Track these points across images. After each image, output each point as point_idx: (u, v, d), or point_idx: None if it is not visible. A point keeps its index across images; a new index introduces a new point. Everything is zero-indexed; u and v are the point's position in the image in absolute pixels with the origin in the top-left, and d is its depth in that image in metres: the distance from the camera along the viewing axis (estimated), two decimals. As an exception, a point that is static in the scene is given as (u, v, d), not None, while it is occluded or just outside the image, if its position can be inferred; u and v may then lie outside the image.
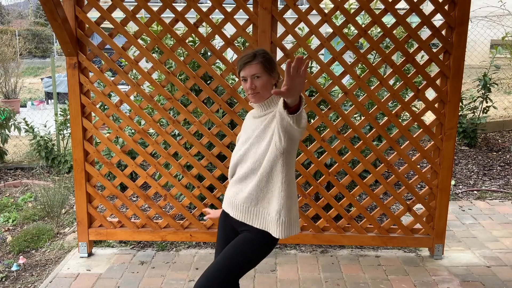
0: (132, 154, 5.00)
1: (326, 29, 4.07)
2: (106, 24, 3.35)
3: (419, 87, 3.33)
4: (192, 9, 3.29)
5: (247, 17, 3.28)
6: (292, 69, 1.65)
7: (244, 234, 2.14)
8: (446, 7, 3.23)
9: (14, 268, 3.47)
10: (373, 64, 3.32)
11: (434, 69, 4.23)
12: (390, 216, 3.51)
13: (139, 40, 3.38)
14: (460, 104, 6.42)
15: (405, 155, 3.40)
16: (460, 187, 5.21)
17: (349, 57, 3.47)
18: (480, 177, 5.51)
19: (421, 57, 5.08)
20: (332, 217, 3.52)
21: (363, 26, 3.29)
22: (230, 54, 4.66)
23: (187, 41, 3.42)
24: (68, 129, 6.08)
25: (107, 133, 4.64)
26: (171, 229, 3.60)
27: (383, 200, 4.21)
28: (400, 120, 3.57)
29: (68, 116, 5.86)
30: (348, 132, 3.41)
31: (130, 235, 3.63)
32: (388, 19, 3.29)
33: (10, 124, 6.27)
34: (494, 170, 5.75)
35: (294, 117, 1.79)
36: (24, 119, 6.02)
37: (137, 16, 3.29)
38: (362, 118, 3.41)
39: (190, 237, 3.60)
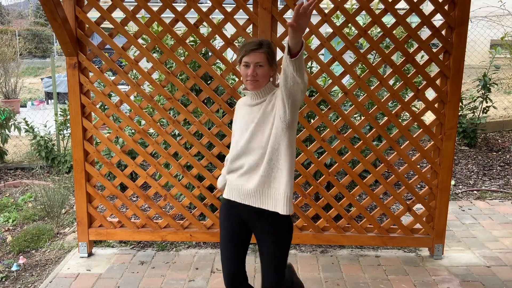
0: (132, 154, 4.99)
1: (326, 29, 4.07)
2: (106, 24, 3.35)
3: (419, 87, 3.34)
4: (192, 9, 3.29)
5: (247, 17, 3.28)
6: (303, 8, 1.84)
7: (267, 229, 2.21)
8: (446, 7, 3.23)
9: (14, 268, 3.48)
10: (373, 64, 3.32)
11: (434, 69, 4.22)
12: (390, 216, 3.51)
13: (139, 40, 3.38)
14: (460, 104, 6.41)
15: (405, 155, 3.41)
16: (460, 187, 5.21)
17: (349, 57, 3.47)
18: (480, 177, 5.51)
19: (421, 57, 5.08)
20: (332, 217, 3.52)
21: (363, 26, 3.29)
22: (230, 54, 4.65)
23: (187, 41, 3.42)
24: (68, 129, 6.08)
25: (107, 133, 4.64)
26: (171, 229, 3.60)
27: (383, 200, 4.21)
28: (400, 120, 3.57)
29: (68, 116, 5.86)
30: (348, 132, 3.41)
31: (130, 235, 3.63)
32: (388, 19, 3.29)
33: (10, 124, 6.27)
34: (494, 170, 5.75)
35: (296, 61, 1.89)
36: (24, 119, 6.02)
37: (137, 16, 3.30)
38: (362, 118, 3.41)
39: (190, 237, 3.60)
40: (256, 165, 2.16)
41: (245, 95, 2.29)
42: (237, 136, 2.23)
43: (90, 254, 3.65)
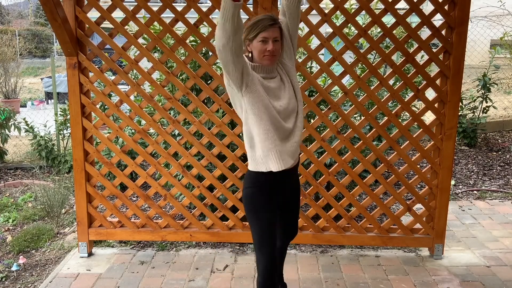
0: (132, 154, 4.99)
1: (326, 29, 4.07)
2: (106, 24, 3.35)
3: (419, 87, 3.34)
4: (192, 9, 3.29)
5: (247, 17, 3.27)
6: None
7: (297, 186, 2.53)
8: (446, 7, 3.23)
9: (14, 268, 3.48)
10: (373, 64, 3.32)
11: (434, 69, 4.22)
12: (390, 216, 3.51)
13: (139, 40, 3.38)
14: (460, 104, 6.41)
15: (405, 155, 3.41)
16: (460, 187, 5.21)
17: (349, 57, 3.47)
18: (480, 177, 5.51)
19: (421, 57, 5.08)
20: (332, 217, 3.52)
21: (363, 26, 3.29)
22: (230, 54, 4.65)
23: (187, 41, 3.42)
24: (68, 129, 6.08)
25: (107, 133, 4.64)
26: (171, 229, 3.60)
27: (383, 200, 4.21)
28: (400, 120, 3.57)
29: (68, 116, 5.86)
30: (348, 132, 3.41)
31: (130, 235, 3.63)
32: (388, 19, 3.29)
33: (10, 124, 6.26)
34: (494, 170, 5.75)
35: None
36: (24, 119, 6.02)
37: (137, 16, 3.29)
38: (362, 118, 3.41)
39: (190, 237, 3.60)
40: (295, 126, 2.30)
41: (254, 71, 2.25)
42: (277, 104, 2.23)
43: (90, 254, 3.65)
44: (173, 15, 3.31)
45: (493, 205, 4.69)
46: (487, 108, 6.83)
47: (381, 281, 3.23)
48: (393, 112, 3.37)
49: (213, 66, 3.62)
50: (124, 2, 3.30)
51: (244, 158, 3.47)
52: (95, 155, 3.51)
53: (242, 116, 2.24)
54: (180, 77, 3.94)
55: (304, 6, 3.78)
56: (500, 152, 6.47)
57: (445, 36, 3.25)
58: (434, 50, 3.29)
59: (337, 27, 3.28)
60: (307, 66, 4.14)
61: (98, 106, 3.66)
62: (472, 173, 5.65)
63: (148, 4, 3.27)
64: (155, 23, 3.43)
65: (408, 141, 3.42)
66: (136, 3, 3.26)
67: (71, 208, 4.64)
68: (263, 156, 2.21)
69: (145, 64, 3.74)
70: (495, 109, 7.18)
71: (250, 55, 2.29)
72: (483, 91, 6.73)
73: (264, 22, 2.16)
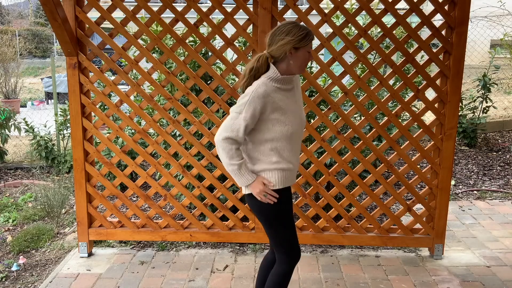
0: (132, 154, 5.00)
1: (326, 29, 4.07)
2: (106, 24, 3.35)
3: (419, 87, 3.33)
4: (192, 9, 3.29)
5: (247, 17, 3.28)
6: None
7: None
8: (446, 7, 3.23)
9: (14, 268, 3.47)
10: (373, 64, 3.32)
11: (434, 69, 4.23)
12: (390, 216, 3.51)
13: (139, 40, 3.38)
14: (460, 104, 6.41)
15: (405, 155, 3.41)
16: (460, 187, 5.21)
17: (349, 57, 3.47)
18: (480, 177, 5.51)
19: (421, 57, 5.08)
20: (332, 217, 3.52)
21: (363, 26, 3.29)
22: (230, 54, 4.66)
23: (187, 41, 3.42)
24: (68, 129, 6.08)
25: (107, 133, 4.64)
26: (171, 229, 3.60)
27: (383, 200, 4.21)
28: (400, 120, 3.57)
29: (68, 116, 5.87)
30: (348, 132, 3.41)
31: (130, 235, 3.63)
32: (388, 19, 3.29)
33: (10, 124, 6.27)
34: (494, 170, 5.75)
35: None
36: (24, 119, 6.02)
37: (137, 16, 3.30)
38: (362, 118, 3.41)
39: (190, 237, 3.60)
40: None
41: (275, 84, 2.22)
42: (295, 121, 2.27)
43: (90, 254, 3.65)
44: (173, 15, 3.31)
45: (493, 205, 4.69)
46: (487, 108, 6.83)
47: (381, 281, 3.23)
48: (393, 112, 3.37)
49: (213, 66, 3.62)
50: (124, 2, 3.30)
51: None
52: (95, 155, 3.51)
53: None
54: (180, 77, 3.94)
55: (304, 6, 3.78)
56: (500, 152, 6.47)
57: (445, 36, 3.25)
58: (434, 50, 3.29)
59: (337, 27, 3.28)
60: (307, 66, 4.14)
61: (98, 106, 3.67)
62: (472, 173, 5.65)
63: (148, 4, 3.27)
64: (155, 24, 3.44)
65: (408, 141, 3.42)
66: (136, 3, 3.26)
67: (71, 208, 4.64)
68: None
69: (145, 64, 3.74)
70: (495, 109, 7.18)
71: (273, 63, 2.25)
72: (483, 91, 6.73)
73: (311, 35, 2.21)
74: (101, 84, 4.80)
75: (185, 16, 3.28)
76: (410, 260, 3.54)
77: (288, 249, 2.39)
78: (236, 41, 3.94)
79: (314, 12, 3.27)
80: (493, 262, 3.49)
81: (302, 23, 2.27)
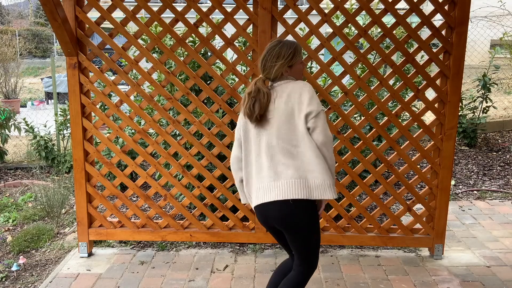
0: (132, 154, 5.00)
1: (326, 29, 4.07)
2: (106, 24, 3.35)
3: (419, 87, 3.33)
4: (192, 9, 3.29)
5: (247, 17, 3.28)
6: None
7: None
8: (446, 7, 3.23)
9: (14, 268, 3.47)
10: (373, 64, 3.32)
11: (434, 69, 4.23)
12: (390, 216, 3.51)
13: (139, 40, 3.38)
14: (460, 104, 6.41)
15: (405, 155, 3.41)
16: (460, 187, 5.21)
17: (349, 57, 3.47)
18: (480, 177, 5.51)
19: (421, 57, 5.09)
20: (332, 217, 3.52)
21: (363, 26, 3.29)
22: (230, 54, 4.66)
23: (187, 41, 3.42)
24: (68, 129, 6.08)
25: (107, 133, 4.64)
26: (171, 229, 3.60)
27: (383, 200, 4.21)
28: (400, 120, 3.57)
29: (68, 116, 5.87)
30: (348, 132, 3.41)
31: (130, 235, 3.63)
32: (388, 19, 3.29)
33: (10, 124, 6.27)
34: (494, 170, 5.75)
35: None
36: (24, 119, 6.02)
37: (137, 16, 3.30)
38: (362, 118, 3.41)
39: (190, 237, 3.60)
40: None
41: None
42: None
43: (90, 254, 3.65)
44: (173, 15, 3.31)
45: (493, 205, 4.69)
46: (487, 108, 6.83)
47: (381, 281, 3.23)
48: (393, 112, 3.37)
49: (213, 66, 3.62)
50: (124, 2, 3.30)
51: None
52: (95, 155, 3.51)
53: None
54: (180, 77, 3.94)
55: (304, 6, 3.78)
56: (500, 152, 6.47)
57: (445, 36, 3.25)
58: (434, 50, 3.29)
59: (337, 27, 3.28)
60: (307, 66, 4.15)
61: (98, 106, 3.67)
62: (472, 173, 5.65)
63: (148, 4, 3.27)
64: (154, 24, 3.43)
65: (408, 141, 3.42)
66: (136, 3, 3.26)
67: (71, 208, 4.64)
68: None
69: (145, 64, 3.74)
70: (495, 109, 7.18)
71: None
72: (483, 91, 6.73)
73: (299, 48, 2.35)
74: (101, 84, 4.80)
75: (185, 16, 3.28)
76: (410, 260, 3.54)
77: (314, 260, 2.40)
78: (236, 41, 3.94)
79: (314, 12, 3.27)
80: (493, 262, 3.49)
81: (286, 38, 2.35)
